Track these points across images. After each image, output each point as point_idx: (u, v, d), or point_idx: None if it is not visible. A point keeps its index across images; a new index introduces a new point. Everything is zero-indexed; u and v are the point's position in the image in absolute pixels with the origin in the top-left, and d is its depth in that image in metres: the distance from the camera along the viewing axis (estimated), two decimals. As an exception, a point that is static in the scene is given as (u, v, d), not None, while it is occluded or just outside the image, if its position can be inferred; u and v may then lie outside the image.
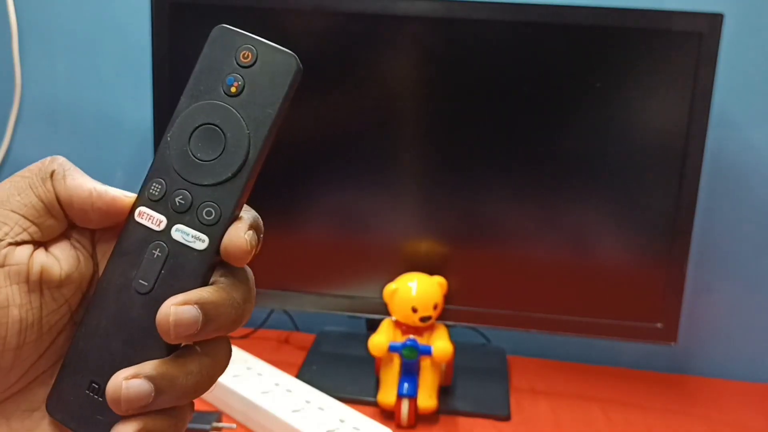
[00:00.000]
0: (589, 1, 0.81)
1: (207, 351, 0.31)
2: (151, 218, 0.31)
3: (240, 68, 0.31)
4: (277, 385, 0.79)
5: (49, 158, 0.32)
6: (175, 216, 0.31)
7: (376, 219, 0.87)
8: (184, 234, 0.31)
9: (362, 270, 0.88)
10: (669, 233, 0.82)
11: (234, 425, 0.76)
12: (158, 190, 0.31)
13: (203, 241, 0.30)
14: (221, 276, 0.31)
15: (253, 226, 0.31)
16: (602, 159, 0.82)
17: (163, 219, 0.31)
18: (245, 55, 0.31)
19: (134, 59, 1.04)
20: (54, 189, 0.31)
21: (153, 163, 0.32)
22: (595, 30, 0.79)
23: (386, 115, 0.85)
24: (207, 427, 0.73)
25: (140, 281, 0.31)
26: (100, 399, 0.30)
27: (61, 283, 0.31)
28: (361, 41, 0.83)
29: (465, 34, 0.81)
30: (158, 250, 0.31)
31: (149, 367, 0.29)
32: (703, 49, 0.77)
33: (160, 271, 0.31)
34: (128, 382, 0.29)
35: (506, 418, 0.84)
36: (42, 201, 0.30)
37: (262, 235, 0.32)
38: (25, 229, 0.30)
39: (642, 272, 0.84)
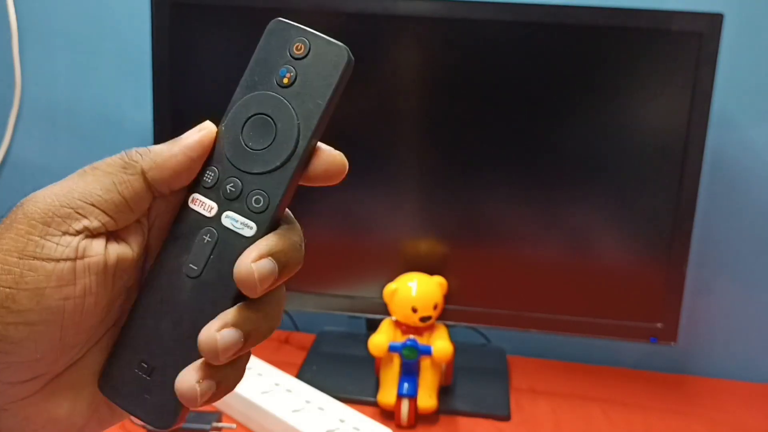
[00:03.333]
0: (589, 1, 0.81)
1: (271, 294, 0.32)
2: (203, 205, 0.32)
3: (293, 60, 0.32)
4: (277, 385, 0.79)
5: (127, 157, 0.31)
6: (225, 203, 0.32)
7: (376, 219, 0.87)
8: (233, 221, 0.31)
9: (362, 270, 0.88)
10: (669, 233, 0.82)
11: (234, 425, 0.76)
12: (211, 177, 0.32)
13: (251, 228, 0.31)
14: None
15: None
16: (602, 159, 0.82)
17: (215, 206, 0.32)
18: (298, 47, 0.32)
19: (134, 59, 1.04)
20: (152, 182, 0.31)
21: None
22: (595, 30, 0.79)
23: (386, 115, 0.85)
24: (207, 427, 0.73)
25: (190, 266, 0.32)
26: (148, 378, 0.32)
27: (133, 268, 0.32)
28: (361, 41, 0.83)
29: (465, 34, 0.81)
30: (208, 235, 0.32)
31: (231, 315, 0.30)
32: (703, 49, 0.77)
33: (209, 256, 0.31)
34: (221, 332, 0.29)
35: (506, 418, 0.84)
36: (124, 197, 0.31)
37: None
38: (102, 223, 0.30)
39: (642, 272, 0.84)
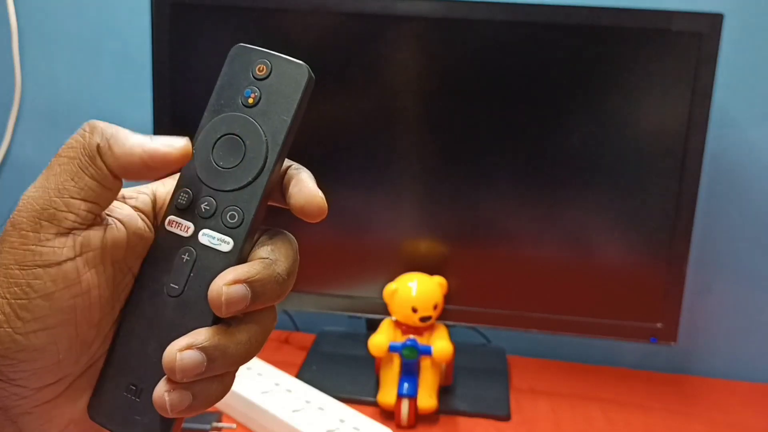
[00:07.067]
0: (589, 1, 0.81)
1: (255, 319, 0.32)
2: (179, 226, 0.33)
3: (256, 81, 0.33)
4: (277, 385, 0.79)
5: (88, 129, 0.31)
6: (201, 222, 0.33)
7: (376, 219, 0.87)
8: (210, 238, 0.32)
9: (362, 270, 0.88)
10: (669, 233, 0.82)
11: (234, 425, 0.76)
12: (185, 199, 0.33)
13: (228, 243, 0.32)
14: (267, 251, 0.32)
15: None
16: (602, 159, 0.82)
17: (191, 225, 0.33)
18: (260, 69, 0.33)
19: (134, 59, 1.04)
20: (105, 164, 0.31)
21: (180, 176, 0.33)
22: (595, 30, 0.79)
23: (386, 115, 0.85)
24: (207, 427, 0.73)
25: (171, 285, 0.32)
26: (138, 400, 0.32)
27: (126, 252, 0.32)
28: (361, 41, 0.83)
29: (465, 34, 0.81)
30: (187, 254, 0.32)
31: (202, 337, 0.30)
32: (703, 49, 0.77)
33: (189, 274, 0.32)
34: (182, 353, 0.30)
35: (506, 418, 0.84)
36: (96, 180, 0.30)
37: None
38: (89, 211, 0.30)
39: (642, 272, 0.84)
